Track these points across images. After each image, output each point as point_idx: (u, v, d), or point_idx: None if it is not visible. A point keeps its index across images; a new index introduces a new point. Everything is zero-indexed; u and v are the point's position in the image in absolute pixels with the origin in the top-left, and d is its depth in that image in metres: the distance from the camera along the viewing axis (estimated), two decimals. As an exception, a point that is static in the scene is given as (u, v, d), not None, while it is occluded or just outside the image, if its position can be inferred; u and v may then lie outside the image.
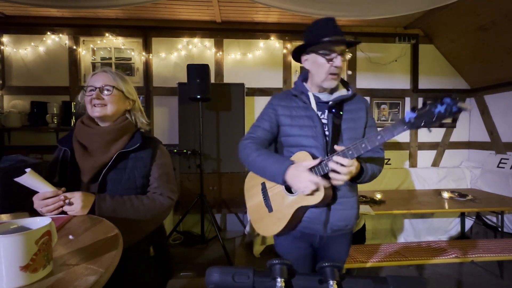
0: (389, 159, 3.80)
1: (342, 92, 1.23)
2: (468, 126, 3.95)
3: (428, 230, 3.10)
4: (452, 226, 3.15)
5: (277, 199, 1.20)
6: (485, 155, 3.61)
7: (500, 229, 2.73)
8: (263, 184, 1.27)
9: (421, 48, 3.78)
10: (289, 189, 1.17)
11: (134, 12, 3.33)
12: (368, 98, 3.79)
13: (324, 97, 1.21)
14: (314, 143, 1.15)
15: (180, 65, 3.56)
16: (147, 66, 3.56)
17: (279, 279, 0.51)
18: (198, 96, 2.82)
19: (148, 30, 3.53)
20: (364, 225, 2.95)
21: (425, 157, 3.94)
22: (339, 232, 1.19)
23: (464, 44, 3.40)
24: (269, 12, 3.36)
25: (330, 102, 1.18)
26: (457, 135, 3.92)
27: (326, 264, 0.52)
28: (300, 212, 1.15)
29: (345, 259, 1.31)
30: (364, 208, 2.32)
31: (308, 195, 1.06)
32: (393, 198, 2.70)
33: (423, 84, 3.81)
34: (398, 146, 3.87)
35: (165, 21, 3.54)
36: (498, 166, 3.23)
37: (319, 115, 1.18)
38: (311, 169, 1.05)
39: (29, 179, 0.91)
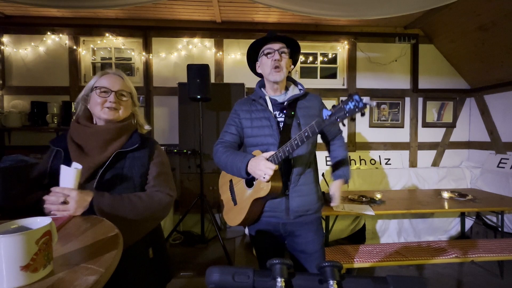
0: (389, 159, 3.80)
1: (295, 91, 1.38)
2: (468, 126, 3.95)
3: (428, 230, 3.10)
4: (452, 226, 3.15)
5: (240, 193, 1.36)
6: (485, 155, 3.61)
7: (500, 229, 2.73)
8: (231, 181, 1.44)
9: (421, 48, 3.79)
10: (248, 184, 1.31)
11: (134, 12, 3.34)
12: (368, 98, 3.78)
13: (280, 98, 1.36)
14: (271, 141, 1.29)
15: (180, 65, 3.56)
16: (147, 66, 3.56)
17: (279, 279, 0.51)
18: (198, 96, 2.82)
19: (148, 30, 3.53)
20: (364, 225, 2.95)
21: (425, 157, 3.94)
22: (303, 217, 1.30)
23: (464, 44, 3.40)
24: (269, 12, 3.36)
25: (285, 103, 1.33)
26: (457, 135, 3.93)
27: (326, 264, 0.52)
28: (258, 204, 1.28)
29: (316, 247, 1.32)
30: (364, 208, 2.32)
31: (267, 181, 1.18)
32: (393, 198, 2.70)
33: (423, 84, 3.81)
34: (398, 146, 3.88)
35: (165, 21, 3.54)
36: (498, 166, 3.23)
37: (276, 114, 1.33)
38: (268, 159, 1.18)
39: (71, 174, 0.91)
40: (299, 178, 1.29)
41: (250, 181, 1.31)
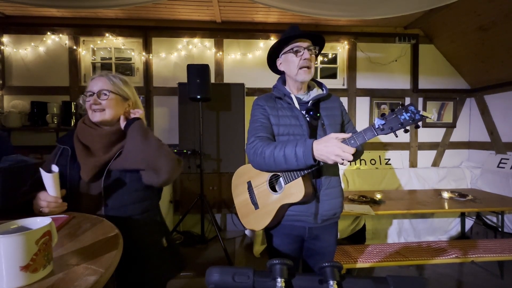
0: (389, 159, 3.80)
1: (319, 91, 1.32)
2: (468, 126, 3.95)
3: (428, 230, 3.10)
4: (452, 226, 3.15)
5: (263, 197, 1.28)
6: (485, 155, 3.61)
7: (500, 229, 2.74)
8: (249, 183, 1.35)
9: (421, 48, 3.78)
10: (273, 188, 1.26)
11: (134, 12, 3.34)
12: (368, 98, 3.80)
13: (304, 97, 1.30)
14: None
15: (180, 65, 3.56)
16: (147, 66, 3.56)
17: (279, 279, 0.51)
18: (198, 96, 2.82)
19: (148, 30, 3.53)
20: (364, 225, 2.95)
21: (425, 157, 3.94)
22: (328, 221, 1.28)
23: (464, 44, 3.40)
24: (269, 12, 3.36)
25: (310, 103, 1.27)
26: (457, 135, 3.92)
27: (326, 264, 0.52)
28: (284, 208, 1.24)
29: (334, 250, 1.34)
30: (364, 208, 2.32)
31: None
32: (393, 198, 2.70)
33: (423, 84, 3.81)
34: (398, 146, 3.87)
35: (165, 21, 3.54)
36: (498, 166, 3.23)
37: (304, 114, 1.27)
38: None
39: (50, 179, 0.92)
40: (329, 181, 1.24)
41: (273, 185, 1.27)
